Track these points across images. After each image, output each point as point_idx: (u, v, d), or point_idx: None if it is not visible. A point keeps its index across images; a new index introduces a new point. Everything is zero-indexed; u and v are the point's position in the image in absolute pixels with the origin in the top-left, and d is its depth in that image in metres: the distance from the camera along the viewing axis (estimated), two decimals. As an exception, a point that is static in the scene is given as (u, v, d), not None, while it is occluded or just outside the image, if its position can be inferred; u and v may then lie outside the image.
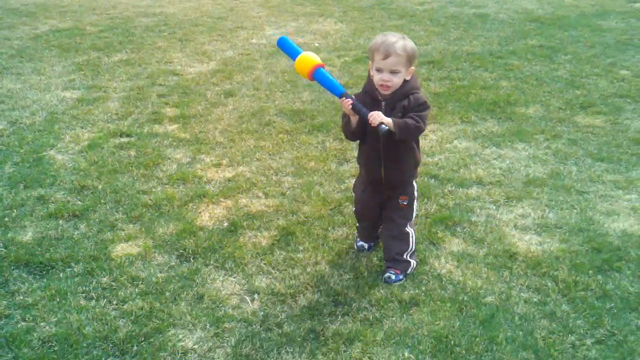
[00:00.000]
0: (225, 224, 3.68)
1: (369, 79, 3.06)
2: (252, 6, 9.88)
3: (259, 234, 3.59)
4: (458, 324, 2.85)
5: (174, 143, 4.78)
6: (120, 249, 3.44)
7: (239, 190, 4.07)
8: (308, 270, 3.25)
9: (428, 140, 4.82)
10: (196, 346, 2.74)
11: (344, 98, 2.96)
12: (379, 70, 2.95)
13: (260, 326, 2.86)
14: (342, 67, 6.62)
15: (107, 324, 2.85)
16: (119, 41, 7.66)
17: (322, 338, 2.77)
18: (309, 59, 3.03)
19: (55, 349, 2.70)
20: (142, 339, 2.77)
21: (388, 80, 2.93)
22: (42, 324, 2.86)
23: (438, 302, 2.99)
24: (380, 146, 3.03)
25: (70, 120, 5.22)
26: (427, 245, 3.45)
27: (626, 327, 2.83)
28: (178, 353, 2.70)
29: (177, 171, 4.32)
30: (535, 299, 3.02)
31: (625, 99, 5.64)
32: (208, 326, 2.86)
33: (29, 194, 4.00)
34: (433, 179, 4.20)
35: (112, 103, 5.62)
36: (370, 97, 3.03)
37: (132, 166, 4.38)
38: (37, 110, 5.43)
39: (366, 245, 3.42)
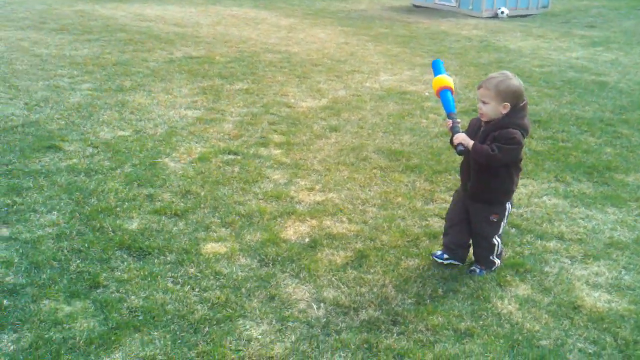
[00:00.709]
0: (307, 240, 3.97)
1: None
2: (372, 53, 10.30)
3: (336, 252, 3.84)
4: (507, 359, 2.95)
5: (275, 165, 5.17)
6: (210, 247, 3.81)
7: (325, 213, 4.36)
8: (374, 290, 3.46)
9: (517, 193, 4.89)
10: (260, 337, 3.02)
11: (448, 119, 3.55)
12: (478, 99, 3.42)
13: (321, 330, 3.10)
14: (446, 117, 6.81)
15: (186, 306, 3.20)
16: (243, 72, 8.29)
17: (375, 349, 2.97)
18: (445, 80, 3.62)
19: (140, 318, 3.08)
20: (214, 323, 3.09)
21: (480, 108, 3.43)
22: (132, 296, 3.25)
23: (492, 337, 3.10)
24: (470, 162, 3.50)
25: (187, 135, 5.76)
26: (493, 286, 3.56)
27: (679, 389, 2.82)
28: (243, 339, 2.99)
29: (273, 189, 4.68)
30: (590, 350, 3.06)
31: None
32: (274, 322, 3.13)
33: (140, 192, 4.49)
34: (514, 229, 4.30)
35: (227, 125, 6.13)
36: (478, 123, 3.54)
37: (233, 180, 4.79)
38: (160, 123, 6.03)
39: (439, 252, 3.75)
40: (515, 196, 4.78)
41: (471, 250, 3.76)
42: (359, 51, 10.41)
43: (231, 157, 5.30)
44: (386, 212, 4.43)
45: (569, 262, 3.90)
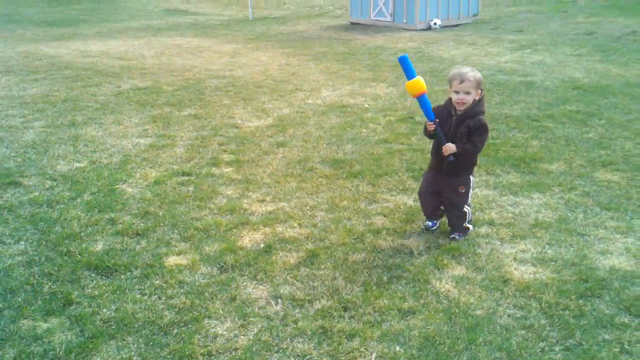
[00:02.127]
0: (262, 246, 4.31)
1: (449, 99, 4.18)
2: (314, 72, 10.75)
3: (289, 254, 4.20)
4: (446, 328, 3.34)
5: (227, 182, 5.50)
6: (172, 260, 4.12)
7: (277, 221, 4.71)
8: (326, 283, 3.82)
9: (452, 187, 5.34)
10: (225, 332, 3.34)
11: (431, 122, 4.16)
12: (456, 92, 4.07)
13: (279, 322, 3.44)
14: (385, 125, 7.27)
15: (155, 313, 3.50)
16: (190, 98, 8.61)
17: (329, 333, 3.32)
18: (422, 84, 4.11)
19: (113, 327, 3.37)
20: (182, 325, 3.39)
21: (463, 99, 4.06)
22: (104, 309, 3.53)
23: (432, 312, 3.49)
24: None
25: (141, 161, 6.05)
26: (432, 270, 3.96)
27: (593, 339, 3.25)
28: (210, 336, 3.30)
29: (227, 204, 5.02)
30: (518, 315, 3.48)
31: (646, 159, 6.02)
32: (236, 319, 3.46)
33: (101, 217, 4.76)
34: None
35: (178, 149, 6.44)
36: (447, 111, 4.20)
37: (189, 199, 5.11)
38: (114, 153, 6.30)
39: (430, 223, 4.50)
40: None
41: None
42: (301, 70, 10.84)
43: (185, 178, 5.61)
44: (333, 215, 4.81)
45: (499, 243, 4.34)
